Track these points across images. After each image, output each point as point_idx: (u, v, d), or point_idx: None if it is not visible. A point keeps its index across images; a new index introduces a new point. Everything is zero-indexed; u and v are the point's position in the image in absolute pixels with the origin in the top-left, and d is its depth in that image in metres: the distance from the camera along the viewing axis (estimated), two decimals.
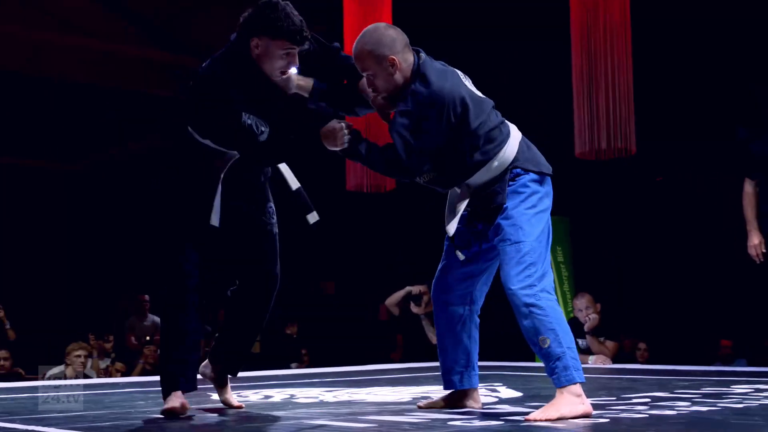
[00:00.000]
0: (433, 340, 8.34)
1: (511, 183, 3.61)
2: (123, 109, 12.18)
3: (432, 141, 3.53)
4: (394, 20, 8.13)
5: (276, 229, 4.10)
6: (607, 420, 3.28)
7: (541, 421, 3.32)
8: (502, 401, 4.10)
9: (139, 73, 11.06)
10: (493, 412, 3.66)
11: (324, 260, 13.76)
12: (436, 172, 3.65)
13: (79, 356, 7.89)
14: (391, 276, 11.98)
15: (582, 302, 7.60)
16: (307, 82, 3.76)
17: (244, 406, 4.15)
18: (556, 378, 3.44)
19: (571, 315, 8.58)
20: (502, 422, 3.28)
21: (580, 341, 7.65)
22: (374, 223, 12.83)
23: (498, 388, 4.81)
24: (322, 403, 4.28)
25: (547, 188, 3.70)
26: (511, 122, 3.77)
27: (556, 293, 11.94)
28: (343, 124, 3.55)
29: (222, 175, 3.84)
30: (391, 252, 12.83)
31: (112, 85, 11.26)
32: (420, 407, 3.89)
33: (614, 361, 7.40)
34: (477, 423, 3.28)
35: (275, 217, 4.10)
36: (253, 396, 4.71)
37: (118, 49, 10.56)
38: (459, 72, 3.71)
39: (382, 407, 3.99)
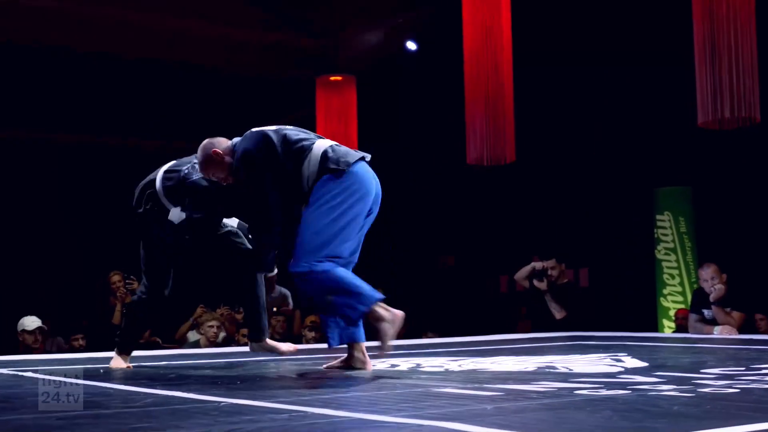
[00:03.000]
0: (557, 315, 8.40)
1: None
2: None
3: None
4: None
5: None
6: (737, 390, 3.28)
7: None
8: (627, 371, 4.13)
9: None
10: (619, 381, 3.70)
11: (444, 234, 13.86)
12: None
13: (212, 326, 8.19)
14: (512, 249, 12.01)
15: (707, 272, 7.52)
16: None
17: None
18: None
19: (696, 285, 8.50)
20: (629, 391, 3.32)
21: (705, 312, 7.59)
22: (494, 196, 12.86)
23: (623, 358, 4.83)
24: (447, 372, 4.37)
25: None
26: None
27: (679, 263, 11.65)
28: None
29: None
30: (511, 225, 12.85)
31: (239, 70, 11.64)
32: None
33: (740, 332, 7.32)
34: (604, 392, 3.32)
35: None
36: (380, 365, 4.83)
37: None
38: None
39: (508, 376, 4.07)
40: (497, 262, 13.11)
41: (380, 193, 4.55)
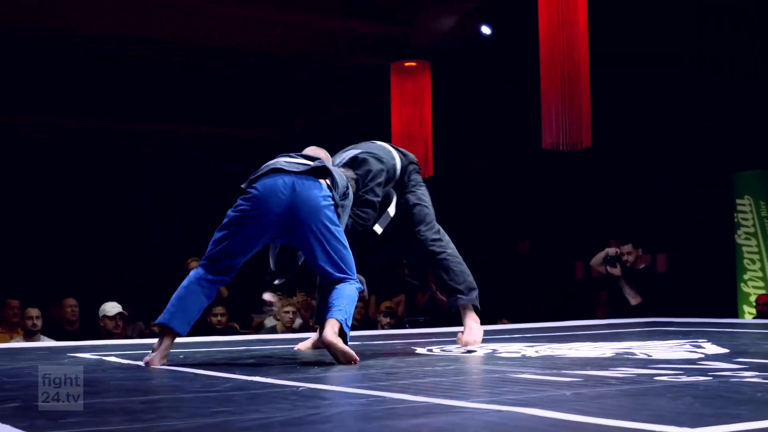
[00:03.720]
0: (632, 301, 8.30)
1: None
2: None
3: None
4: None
5: None
6: None
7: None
8: (708, 357, 4.07)
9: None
10: (699, 367, 3.65)
11: (520, 219, 13.79)
12: None
13: (288, 312, 8.25)
14: (588, 234, 11.90)
15: None
16: None
17: None
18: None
19: None
20: (710, 378, 3.27)
21: None
22: (571, 181, 12.75)
23: (703, 345, 4.77)
24: (524, 358, 4.35)
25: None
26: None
27: (760, 248, 11.49)
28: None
29: None
30: (587, 210, 12.73)
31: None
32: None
33: None
34: (684, 378, 3.28)
35: None
36: (456, 350, 4.84)
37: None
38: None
39: (586, 362, 4.04)
40: (573, 248, 13.00)
41: (299, 203, 4.30)
